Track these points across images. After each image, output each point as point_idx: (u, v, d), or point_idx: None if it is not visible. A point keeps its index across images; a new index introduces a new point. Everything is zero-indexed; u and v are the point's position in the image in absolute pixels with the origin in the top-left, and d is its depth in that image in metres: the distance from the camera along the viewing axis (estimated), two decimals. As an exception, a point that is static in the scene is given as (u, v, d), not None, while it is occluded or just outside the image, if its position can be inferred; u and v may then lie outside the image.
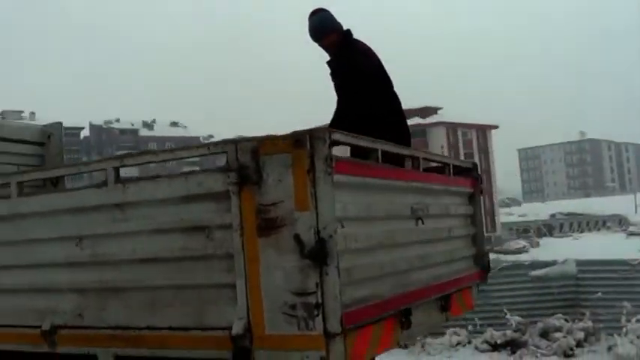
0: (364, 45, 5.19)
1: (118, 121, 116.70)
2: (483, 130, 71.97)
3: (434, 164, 4.97)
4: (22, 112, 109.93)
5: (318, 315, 3.07)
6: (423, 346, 9.83)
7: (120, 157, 3.70)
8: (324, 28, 5.12)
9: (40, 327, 3.79)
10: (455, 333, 10.57)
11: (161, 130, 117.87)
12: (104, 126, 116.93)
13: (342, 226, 3.22)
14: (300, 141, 3.12)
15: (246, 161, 3.21)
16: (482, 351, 9.93)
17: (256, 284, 3.20)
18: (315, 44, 5.17)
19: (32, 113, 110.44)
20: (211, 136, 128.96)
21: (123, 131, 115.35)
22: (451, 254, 4.73)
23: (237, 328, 3.20)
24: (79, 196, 3.80)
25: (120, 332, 3.59)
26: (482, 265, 5.29)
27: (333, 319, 3.06)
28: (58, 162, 7.25)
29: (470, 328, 10.19)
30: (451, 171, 4.90)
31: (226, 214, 3.27)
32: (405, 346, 9.33)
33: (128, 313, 3.58)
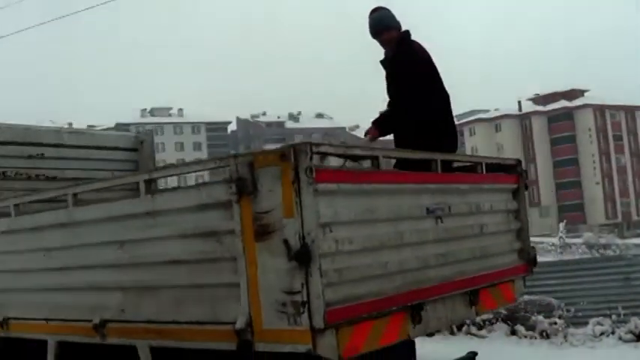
0: (420, 46, 5.44)
1: (264, 114, 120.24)
2: (632, 112, 68.34)
3: (470, 162, 5.15)
4: (170, 108, 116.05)
5: (304, 312, 3.41)
6: (565, 337, 9.76)
7: (149, 170, 4.19)
8: (384, 25, 5.45)
9: (91, 321, 4.37)
10: (598, 323, 10.38)
11: (307, 121, 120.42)
12: (251, 120, 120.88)
13: (331, 231, 3.54)
14: (284, 155, 3.47)
15: (244, 174, 3.59)
16: (627, 341, 9.67)
17: (255, 284, 3.58)
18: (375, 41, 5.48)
19: (180, 109, 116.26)
20: (357, 126, 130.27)
21: (269, 124, 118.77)
22: (484, 250, 4.90)
23: (241, 323, 3.60)
24: (120, 205, 4.33)
25: (153, 326, 4.09)
26: (528, 259, 5.40)
27: (317, 316, 3.38)
28: (149, 166, 7.94)
29: (613, 317, 10.00)
30: (483, 169, 5.04)
31: (230, 221, 3.66)
32: (547, 336, 9.39)
33: (159, 309, 4.07)
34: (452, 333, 9.31)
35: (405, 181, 4.26)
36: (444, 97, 5.41)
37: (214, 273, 3.80)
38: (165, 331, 4.04)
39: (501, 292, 5.17)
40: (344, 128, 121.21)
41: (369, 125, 5.57)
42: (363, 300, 3.72)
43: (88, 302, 4.47)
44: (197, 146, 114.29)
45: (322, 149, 3.64)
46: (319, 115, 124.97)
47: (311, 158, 3.44)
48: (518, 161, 5.55)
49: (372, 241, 3.87)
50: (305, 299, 3.40)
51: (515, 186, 5.42)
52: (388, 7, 5.57)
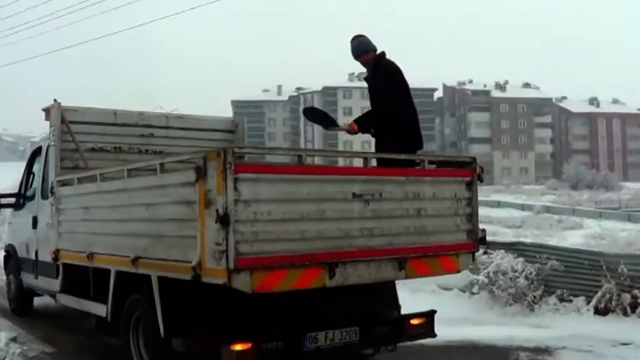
0: (394, 65, 7.08)
1: (470, 82, 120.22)
2: None
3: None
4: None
5: (222, 258, 5.29)
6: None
7: (162, 156, 6.26)
8: (362, 49, 7.19)
9: (129, 257, 6.55)
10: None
11: (513, 91, 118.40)
12: (457, 87, 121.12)
13: (250, 206, 5.38)
14: (219, 154, 5.34)
15: (201, 164, 5.53)
16: None
17: (203, 237, 5.51)
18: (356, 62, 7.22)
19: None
20: (564, 97, 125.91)
21: (475, 92, 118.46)
22: (420, 228, 6.44)
23: (194, 263, 5.56)
24: (147, 179, 6.47)
25: (159, 262, 6.18)
26: (475, 239, 6.84)
27: (231, 261, 5.26)
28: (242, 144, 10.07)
29: None
30: (425, 165, 6.59)
31: (194, 195, 5.62)
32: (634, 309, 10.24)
33: (161, 251, 6.15)
34: (625, 314, 10.27)
35: (329, 172, 5.97)
36: (411, 105, 7.01)
37: (187, 229, 5.77)
38: (163, 266, 6.11)
39: (440, 263, 6.68)
40: (550, 99, 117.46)
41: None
42: (278, 254, 5.52)
43: (129, 244, 6.65)
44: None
45: (244, 151, 5.49)
46: (526, 85, 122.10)
47: (232, 156, 5.28)
48: (473, 159, 6.97)
49: (292, 214, 5.63)
50: (224, 249, 5.28)
51: (469, 179, 6.86)
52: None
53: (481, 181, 6.91)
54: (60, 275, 8.79)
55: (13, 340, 8.90)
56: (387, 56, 7.26)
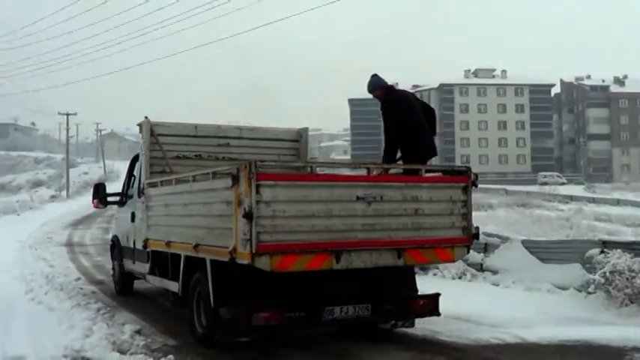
0: (403, 96, 8.82)
1: (588, 77, 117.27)
2: None
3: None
4: (494, 70, 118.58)
5: (248, 244, 7.14)
6: None
7: (213, 168, 8.19)
8: (373, 86, 9.01)
9: (192, 244, 8.52)
10: None
11: (633, 85, 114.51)
12: (575, 83, 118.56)
13: (269, 205, 7.19)
14: (246, 166, 7.19)
15: (235, 173, 7.39)
16: None
17: (236, 229, 7.38)
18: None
19: (503, 71, 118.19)
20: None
21: (593, 88, 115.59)
22: (417, 224, 8.05)
23: (231, 248, 7.44)
24: (202, 183, 8.43)
25: (211, 248, 8.09)
26: (469, 234, 8.38)
27: (253, 247, 7.10)
28: (304, 154, 11.89)
29: None
30: (422, 173, 8.20)
31: (231, 196, 7.49)
32: None
33: (211, 238, 8.06)
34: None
35: (336, 180, 7.71)
36: (420, 125, 8.66)
37: (227, 222, 7.65)
38: (213, 251, 8.03)
39: (436, 253, 8.31)
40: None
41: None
42: (293, 242, 7.32)
43: (193, 234, 8.62)
44: (519, 108, 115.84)
45: (265, 164, 7.32)
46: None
47: (255, 168, 7.11)
48: (468, 167, 8.52)
49: (304, 212, 7.42)
50: (249, 238, 7.13)
51: (464, 184, 8.40)
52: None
53: (475, 186, 8.43)
54: (149, 260, 10.91)
55: (138, 332, 9.44)
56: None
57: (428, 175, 8.41)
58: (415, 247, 8.10)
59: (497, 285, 13.98)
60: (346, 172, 8.74)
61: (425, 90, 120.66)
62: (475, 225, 8.54)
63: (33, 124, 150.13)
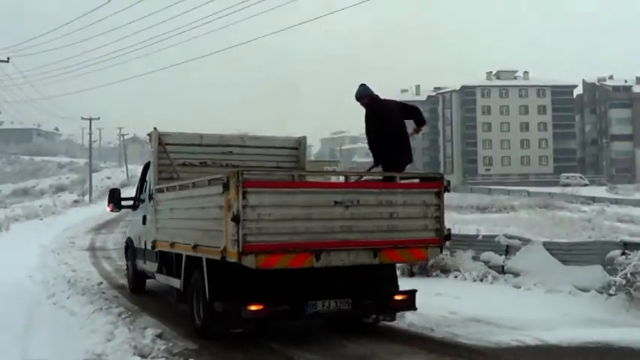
0: (386, 106, 9.75)
1: (611, 77, 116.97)
2: None
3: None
4: (515, 71, 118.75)
5: (235, 244, 8.10)
6: None
7: (208, 176, 9.17)
8: (360, 95, 9.88)
9: (190, 244, 9.49)
10: None
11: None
12: (597, 83, 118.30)
13: (254, 208, 8.14)
14: (234, 174, 8.15)
15: (226, 181, 8.35)
16: None
17: (226, 231, 8.33)
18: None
19: (525, 72, 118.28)
20: None
21: (616, 88, 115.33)
22: (392, 226, 8.95)
23: (222, 247, 8.40)
24: (199, 189, 9.40)
25: (206, 248, 9.05)
26: (442, 236, 9.26)
27: (240, 246, 8.06)
28: (303, 160, 12.82)
29: None
30: (397, 179, 9.12)
31: (222, 201, 8.45)
32: None
33: (207, 241, 9.03)
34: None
35: (316, 186, 8.65)
36: (399, 134, 9.56)
37: (219, 224, 8.61)
38: (208, 251, 8.99)
39: (410, 252, 9.22)
40: None
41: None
42: (276, 243, 8.26)
43: (193, 235, 9.59)
44: (542, 109, 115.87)
45: (251, 173, 8.28)
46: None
47: (242, 176, 8.07)
48: (441, 175, 9.43)
49: (287, 215, 8.36)
50: (236, 239, 8.09)
51: (437, 190, 9.29)
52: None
53: (448, 191, 9.30)
54: (158, 259, 11.90)
55: (159, 336, 9.57)
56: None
57: (403, 181, 9.31)
58: (390, 248, 9.00)
59: (519, 287, 13.98)
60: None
61: (447, 92, 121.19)
62: (447, 227, 9.40)
63: (56, 129, 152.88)
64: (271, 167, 12.29)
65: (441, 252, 9.69)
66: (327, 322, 10.04)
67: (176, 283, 10.66)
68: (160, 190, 11.51)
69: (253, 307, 8.63)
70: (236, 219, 8.07)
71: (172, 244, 10.54)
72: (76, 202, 64.88)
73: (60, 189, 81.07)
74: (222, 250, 8.39)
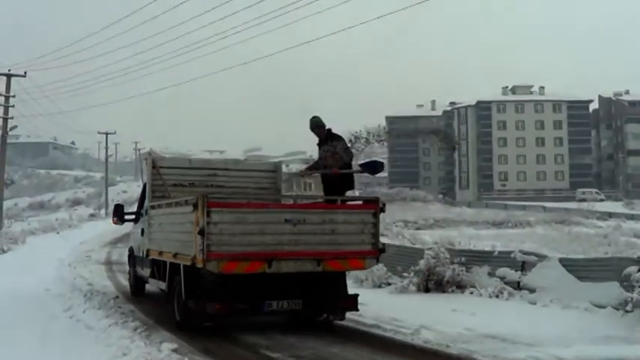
0: (336, 135, 11.91)
1: (627, 92, 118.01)
2: None
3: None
4: (531, 86, 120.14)
5: (201, 253, 10.26)
6: None
7: (192, 198, 11.38)
8: (314, 125, 12.11)
9: (172, 252, 11.67)
10: None
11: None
12: (613, 98, 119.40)
13: (217, 225, 10.30)
14: (201, 196, 10.33)
15: (195, 202, 10.52)
16: None
17: (195, 241, 10.47)
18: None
19: (541, 87, 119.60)
20: None
21: (632, 103, 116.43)
22: (333, 240, 11.05)
23: (191, 255, 10.57)
24: (179, 208, 11.58)
25: (183, 256, 11.21)
26: (377, 249, 11.34)
27: (205, 255, 10.22)
28: (279, 183, 14.94)
29: None
30: (339, 202, 11.26)
31: (192, 218, 10.62)
32: None
33: (182, 250, 11.19)
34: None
35: (268, 207, 10.83)
36: (346, 163, 11.74)
37: (191, 237, 10.75)
38: (184, 258, 11.14)
39: (349, 262, 11.35)
40: None
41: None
42: (234, 252, 10.42)
43: (174, 245, 11.75)
44: (557, 124, 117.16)
45: (214, 195, 10.47)
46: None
47: (206, 199, 10.24)
48: (377, 198, 11.57)
49: (243, 230, 10.51)
50: (202, 248, 10.25)
51: (374, 211, 11.39)
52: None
53: (383, 212, 11.39)
54: (150, 266, 14.08)
55: (175, 351, 9.63)
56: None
57: (344, 203, 11.46)
58: (332, 258, 11.10)
59: (535, 303, 14.04)
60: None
61: (462, 107, 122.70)
62: (382, 242, 11.49)
63: (72, 142, 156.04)
64: (250, 187, 14.37)
65: (377, 262, 11.77)
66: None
67: (163, 285, 12.82)
68: (153, 207, 13.66)
69: (217, 305, 10.77)
70: (202, 232, 10.22)
71: (160, 253, 12.70)
72: (92, 215, 67.24)
73: (76, 202, 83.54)
74: (192, 258, 10.54)
